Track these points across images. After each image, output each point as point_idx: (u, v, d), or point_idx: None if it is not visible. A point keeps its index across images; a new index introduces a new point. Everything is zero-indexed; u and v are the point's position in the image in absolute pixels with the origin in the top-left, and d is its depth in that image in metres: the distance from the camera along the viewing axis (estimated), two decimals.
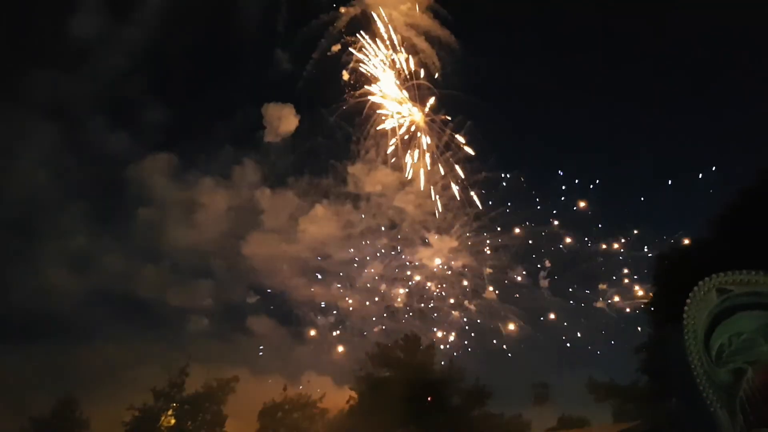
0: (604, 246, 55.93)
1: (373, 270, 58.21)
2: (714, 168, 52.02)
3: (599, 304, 54.95)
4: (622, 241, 55.44)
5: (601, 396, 46.82)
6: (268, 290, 59.35)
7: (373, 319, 57.68)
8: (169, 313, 57.25)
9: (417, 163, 57.84)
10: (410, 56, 57.87)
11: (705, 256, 29.85)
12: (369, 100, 57.85)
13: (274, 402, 48.42)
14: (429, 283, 57.51)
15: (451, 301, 56.89)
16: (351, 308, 57.93)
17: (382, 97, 57.76)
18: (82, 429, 44.95)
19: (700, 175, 51.77)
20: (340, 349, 56.93)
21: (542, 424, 49.20)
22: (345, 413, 47.11)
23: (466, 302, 56.55)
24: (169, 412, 45.58)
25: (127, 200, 59.18)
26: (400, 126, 57.65)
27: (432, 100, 57.35)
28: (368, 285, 58.23)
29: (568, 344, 53.34)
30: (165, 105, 60.68)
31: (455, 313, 56.15)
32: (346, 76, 58.46)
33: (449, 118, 56.90)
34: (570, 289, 56.86)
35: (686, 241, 36.34)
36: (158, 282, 57.72)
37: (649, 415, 34.49)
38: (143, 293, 57.01)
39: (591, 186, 56.55)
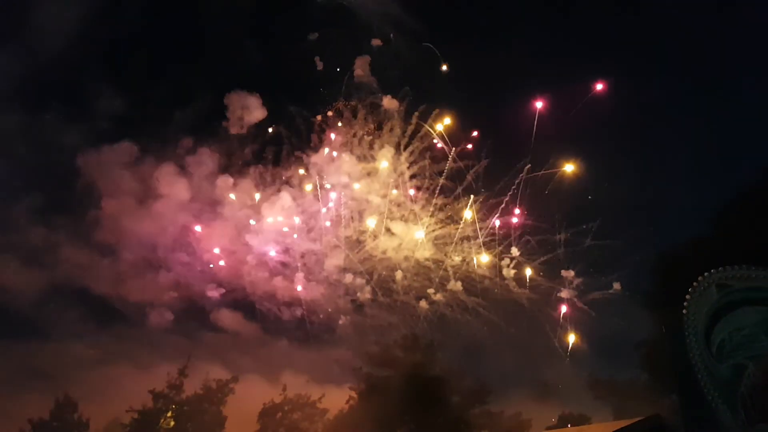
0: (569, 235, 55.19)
1: (335, 262, 57.55)
2: (713, 164, 51.66)
3: (564, 294, 54.60)
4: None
5: (601, 393, 46.87)
6: (230, 284, 58.11)
7: (340, 315, 57.12)
8: (129, 309, 55.37)
9: (383, 152, 57.61)
10: (383, 45, 58.42)
11: (704, 252, 29.80)
12: (341, 89, 58.00)
13: (273, 402, 48.36)
14: (395, 274, 57.11)
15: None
16: (315, 302, 57.17)
17: (354, 85, 57.99)
18: (82, 431, 44.89)
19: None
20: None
21: (542, 421, 49.18)
22: (345, 413, 47.01)
23: (432, 294, 56.28)
24: (169, 414, 45.51)
25: (82, 192, 56.07)
26: (371, 115, 57.79)
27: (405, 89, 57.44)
28: (332, 277, 57.58)
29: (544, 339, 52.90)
30: (121, 92, 57.88)
31: (422, 304, 55.90)
32: (319, 65, 58.43)
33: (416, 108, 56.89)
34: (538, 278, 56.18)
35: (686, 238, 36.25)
36: (116, 276, 55.73)
37: (650, 412, 34.40)
38: (101, 288, 54.54)
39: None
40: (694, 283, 25.32)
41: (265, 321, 57.49)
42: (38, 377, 48.34)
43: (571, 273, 54.20)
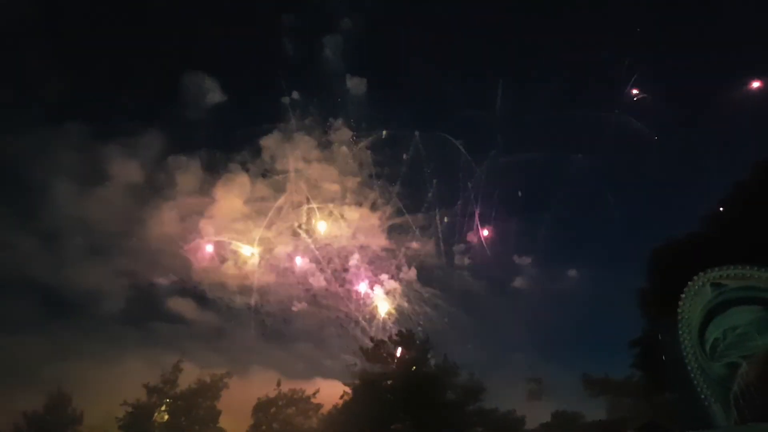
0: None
1: (287, 250, 56.35)
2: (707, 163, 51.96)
3: (517, 284, 54.96)
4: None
5: (595, 391, 47.03)
6: (181, 271, 55.32)
7: (294, 302, 56.07)
8: (77, 297, 52.35)
9: (337, 136, 57.04)
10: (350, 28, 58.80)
11: (699, 251, 29.87)
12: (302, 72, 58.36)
13: (267, 397, 48.26)
14: (351, 261, 56.61)
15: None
16: (268, 289, 55.70)
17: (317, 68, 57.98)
18: (76, 424, 44.66)
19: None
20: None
21: (536, 418, 49.28)
22: (339, 409, 46.96)
23: (386, 280, 55.91)
24: (163, 408, 45.38)
25: (27, 176, 52.37)
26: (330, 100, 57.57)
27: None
28: (283, 266, 56.41)
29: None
30: (68, 72, 54.51)
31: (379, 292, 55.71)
32: (289, 51, 58.18)
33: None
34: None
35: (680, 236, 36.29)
36: (62, 264, 52.74)
37: (644, 410, 34.57)
38: (47, 277, 51.44)
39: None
40: (689, 282, 25.36)
41: (218, 310, 55.60)
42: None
43: (528, 260, 54.70)
